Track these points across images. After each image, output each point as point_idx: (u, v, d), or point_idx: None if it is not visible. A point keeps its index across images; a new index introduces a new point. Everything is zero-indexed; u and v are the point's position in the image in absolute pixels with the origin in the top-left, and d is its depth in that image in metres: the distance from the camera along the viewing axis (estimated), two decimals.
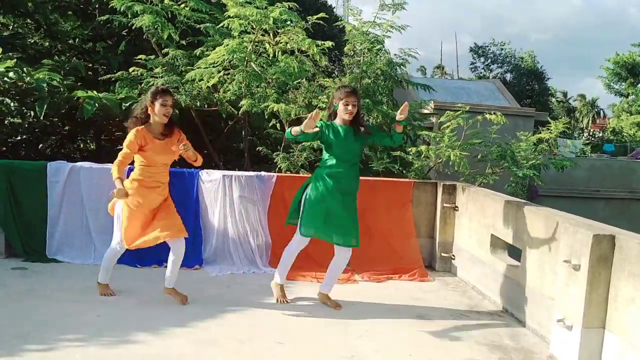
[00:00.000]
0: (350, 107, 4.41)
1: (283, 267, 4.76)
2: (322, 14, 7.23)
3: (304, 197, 4.57)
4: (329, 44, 7.01)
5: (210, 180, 5.85)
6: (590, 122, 47.50)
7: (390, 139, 4.71)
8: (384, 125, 7.83)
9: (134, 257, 5.56)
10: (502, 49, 37.66)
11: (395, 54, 7.83)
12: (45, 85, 6.69)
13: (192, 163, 4.59)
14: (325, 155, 4.57)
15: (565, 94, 50.54)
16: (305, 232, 4.52)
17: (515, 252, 4.99)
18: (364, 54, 7.55)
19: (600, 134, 39.63)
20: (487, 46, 38.33)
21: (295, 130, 4.33)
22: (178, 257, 4.44)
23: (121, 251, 4.50)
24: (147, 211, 4.38)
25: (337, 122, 4.53)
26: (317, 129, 4.36)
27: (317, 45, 6.92)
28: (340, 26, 8.13)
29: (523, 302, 4.57)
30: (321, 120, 4.47)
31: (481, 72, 38.00)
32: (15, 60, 6.91)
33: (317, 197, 4.47)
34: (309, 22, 7.23)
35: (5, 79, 6.72)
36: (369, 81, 7.59)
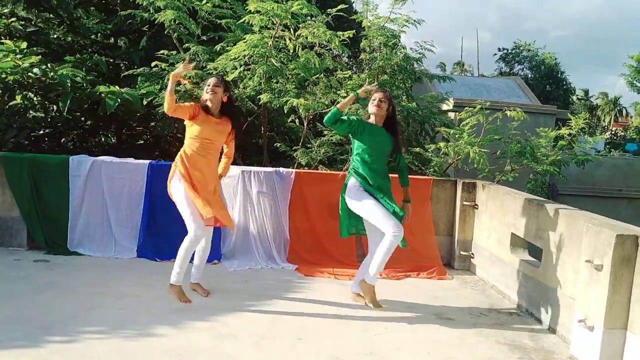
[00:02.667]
0: (377, 102, 4.53)
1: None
2: (342, 6, 7.21)
3: (350, 202, 4.61)
4: (350, 33, 6.98)
5: (229, 176, 5.86)
6: (612, 120, 46.83)
7: (402, 171, 4.84)
8: (402, 120, 7.81)
9: (154, 251, 5.63)
10: (528, 50, 37.27)
11: (411, 48, 7.80)
12: (68, 81, 6.77)
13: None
14: (355, 154, 4.62)
15: (587, 92, 49.88)
16: (344, 233, 4.78)
17: (535, 251, 4.94)
18: (380, 49, 7.52)
19: (623, 133, 38.99)
20: (516, 49, 37.96)
21: (344, 102, 4.51)
22: (207, 247, 4.67)
23: (198, 239, 4.40)
24: (204, 183, 4.46)
25: (371, 121, 4.63)
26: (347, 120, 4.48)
27: (338, 37, 6.90)
28: (358, 21, 8.09)
29: (544, 302, 4.53)
30: (358, 116, 4.61)
31: (505, 70, 37.66)
32: (39, 56, 6.99)
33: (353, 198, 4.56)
34: (330, 15, 7.21)
35: (30, 74, 6.81)
36: (386, 77, 7.56)
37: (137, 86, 7.56)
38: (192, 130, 4.47)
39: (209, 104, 4.48)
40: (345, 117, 4.49)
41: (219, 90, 4.48)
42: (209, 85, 4.50)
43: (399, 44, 7.65)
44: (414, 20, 7.30)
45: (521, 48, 37.70)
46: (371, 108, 4.58)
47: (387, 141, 4.63)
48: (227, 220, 4.62)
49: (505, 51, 38.32)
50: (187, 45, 7.73)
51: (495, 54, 38.72)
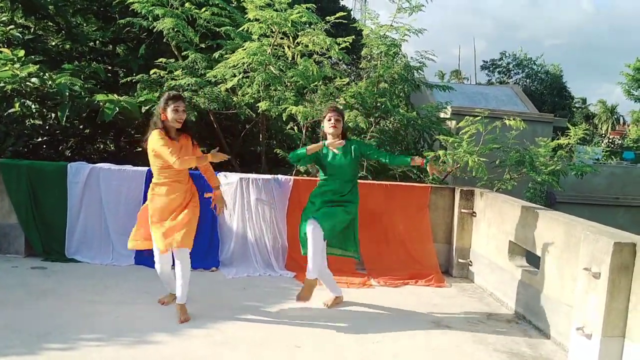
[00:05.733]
0: (333, 121, 4.65)
1: (330, 287, 4.89)
2: (341, 13, 7.24)
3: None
4: (349, 39, 7.00)
5: (228, 183, 5.87)
6: (609, 128, 46.94)
7: (387, 158, 4.85)
8: (401, 128, 7.83)
9: (151, 258, 5.60)
10: (516, 58, 37.30)
11: (412, 57, 7.83)
12: (67, 90, 6.77)
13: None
14: (321, 175, 4.83)
15: (584, 100, 50.03)
16: (304, 250, 4.72)
17: (533, 259, 4.95)
18: (380, 58, 7.54)
19: (620, 141, 39.08)
20: (498, 60, 38.00)
21: (312, 147, 4.61)
22: (184, 266, 4.30)
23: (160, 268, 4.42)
24: (166, 214, 4.31)
25: (328, 140, 4.68)
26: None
27: (338, 44, 6.92)
28: (358, 29, 8.12)
29: (542, 310, 4.53)
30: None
31: (501, 78, 37.68)
32: (37, 65, 7.00)
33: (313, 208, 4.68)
34: (329, 23, 7.24)
35: (28, 83, 6.82)
36: (386, 85, 7.58)
37: (135, 94, 7.56)
38: (159, 160, 4.29)
39: (175, 125, 4.27)
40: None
41: (184, 116, 4.33)
42: (175, 111, 4.23)
43: (400, 52, 7.68)
44: (415, 30, 7.34)
45: (512, 57, 37.70)
46: (328, 129, 4.68)
47: (348, 152, 4.72)
48: (177, 236, 4.22)
49: (493, 63, 38.28)
50: (185, 53, 7.75)
51: (482, 65, 38.78)
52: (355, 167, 4.84)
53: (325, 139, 4.71)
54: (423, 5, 7.24)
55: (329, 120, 4.67)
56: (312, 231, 4.52)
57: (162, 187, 4.31)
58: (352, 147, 4.74)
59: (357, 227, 4.86)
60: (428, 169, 4.73)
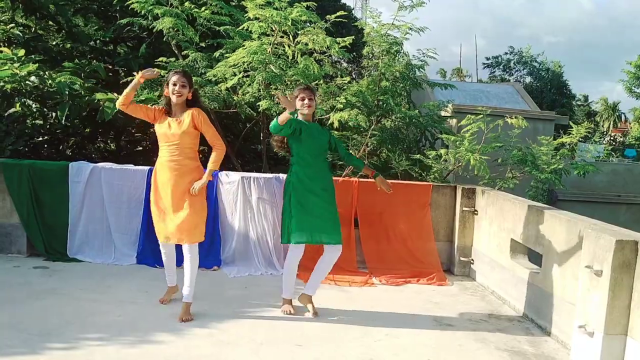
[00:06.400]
0: (307, 101, 4.46)
1: (288, 284, 4.61)
2: (341, 12, 7.23)
3: (288, 206, 4.45)
4: (349, 39, 6.99)
5: (229, 182, 5.87)
6: (611, 126, 46.87)
7: (346, 155, 4.82)
8: (402, 126, 7.82)
9: (153, 257, 5.61)
10: (522, 56, 37.30)
11: (413, 55, 7.82)
12: (66, 89, 6.77)
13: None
14: (295, 156, 4.50)
15: (586, 98, 49.96)
16: (299, 238, 4.37)
17: (535, 257, 4.94)
18: (382, 56, 7.54)
19: (622, 139, 39.04)
20: (501, 56, 38.02)
21: (282, 117, 4.22)
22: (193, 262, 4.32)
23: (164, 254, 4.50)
24: (163, 194, 4.29)
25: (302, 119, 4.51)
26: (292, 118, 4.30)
27: (337, 43, 6.91)
28: (359, 27, 8.11)
29: (544, 308, 4.52)
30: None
31: (502, 75, 37.72)
32: (37, 64, 7.00)
33: (300, 200, 4.39)
34: (329, 21, 7.23)
35: (28, 82, 6.82)
36: (387, 83, 7.58)
37: (136, 92, 7.55)
38: (157, 135, 4.36)
39: (174, 99, 4.26)
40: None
41: (185, 92, 4.27)
42: (174, 85, 4.24)
43: (401, 51, 7.67)
44: (417, 28, 7.33)
45: (517, 54, 37.75)
46: (303, 109, 4.45)
47: (324, 135, 4.60)
48: (185, 235, 4.25)
49: (496, 59, 38.32)
50: (185, 52, 7.75)
51: (484, 63, 38.81)
52: (328, 148, 4.66)
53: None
54: (424, 2, 7.24)
55: (303, 100, 4.46)
56: (296, 255, 4.44)
57: (158, 166, 4.34)
58: (322, 130, 4.61)
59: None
60: (376, 182, 4.72)
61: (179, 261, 4.52)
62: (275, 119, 4.28)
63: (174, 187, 4.25)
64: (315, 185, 4.44)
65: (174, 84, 4.25)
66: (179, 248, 4.43)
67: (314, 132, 4.51)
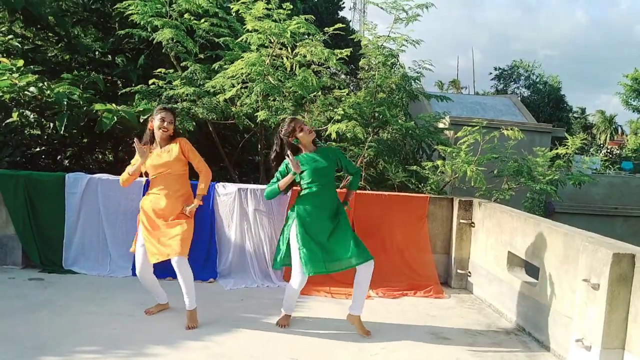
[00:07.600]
0: (308, 128, 4.50)
1: (291, 302, 4.55)
2: (339, 25, 7.27)
3: (293, 236, 4.37)
4: (347, 51, 7.02)
5: (226, 194, 5.86)
6: (608, 138, 47.03)
7: (354, 173, 4.84)
8: (399, 138, 7.84)
9: None
10: (529, 72, 37.62)
11: (409, 67, 7.86)
12: (65, 100, 6.78)
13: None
14: (302, 186, 4.49)
15: (583, 110, 50.18)
16: (313, 269, 4.24)
17: (532, 270, 4.93)
18: (378, 68, 7.57)
19: (618, 151, 39.16)
20: (513, 68, 38.32)
21: (284, 182, 4.50)
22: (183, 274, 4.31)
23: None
24: (150, 221, 4.39)
25: (303, 152, 4.53)
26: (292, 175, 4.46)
27: (335, 55, 6.94)
28: (356, 40, 8.16)
29: (541, 321, 4.51)
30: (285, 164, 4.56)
31: (502, 88, 37.97)
32: (36, 75, 7.01)
33: (309, 231, 4.34)
34: (327, 34, 7.27)
35: (26, 92, 6.83)
36: (384, 95, 7.60)
37: (134, 104, 7.57)
38: (147, 169, 4.44)
39: (159, 134, 4.38)
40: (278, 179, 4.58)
41: (171, 128, 4.41)
42: (162, 122, 4.35)
43: (397, 63, 7.71)
44: (413, 40, 7.38)
45: (517, 67, 38.06)
46: (306, 138, 4.46)
47: (329, 160, 4.53)
48: (170, 250, 4.25)
49: (502, 70, 38.70)
50: (184, 63, 7.77)
51: (491, 73, 39.14)
52: (334, 172, 4.65)
53: (295, 152, 4.49)
54: (419, 15, 7.30)
55: (302, 130, 4.45)
56: (304, 281, 4.36)
57: (152, 197, 4.45)
58: (328, 153, 4.57)
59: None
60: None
61: (162, 274, 4.67)
62: (269, 188, 4.55)
63: (169, 214, 4.39)
64: (324, 214, 4.40)
65: (162, 121, 4.38)
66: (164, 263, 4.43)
67: (317, 160, 4.46)
